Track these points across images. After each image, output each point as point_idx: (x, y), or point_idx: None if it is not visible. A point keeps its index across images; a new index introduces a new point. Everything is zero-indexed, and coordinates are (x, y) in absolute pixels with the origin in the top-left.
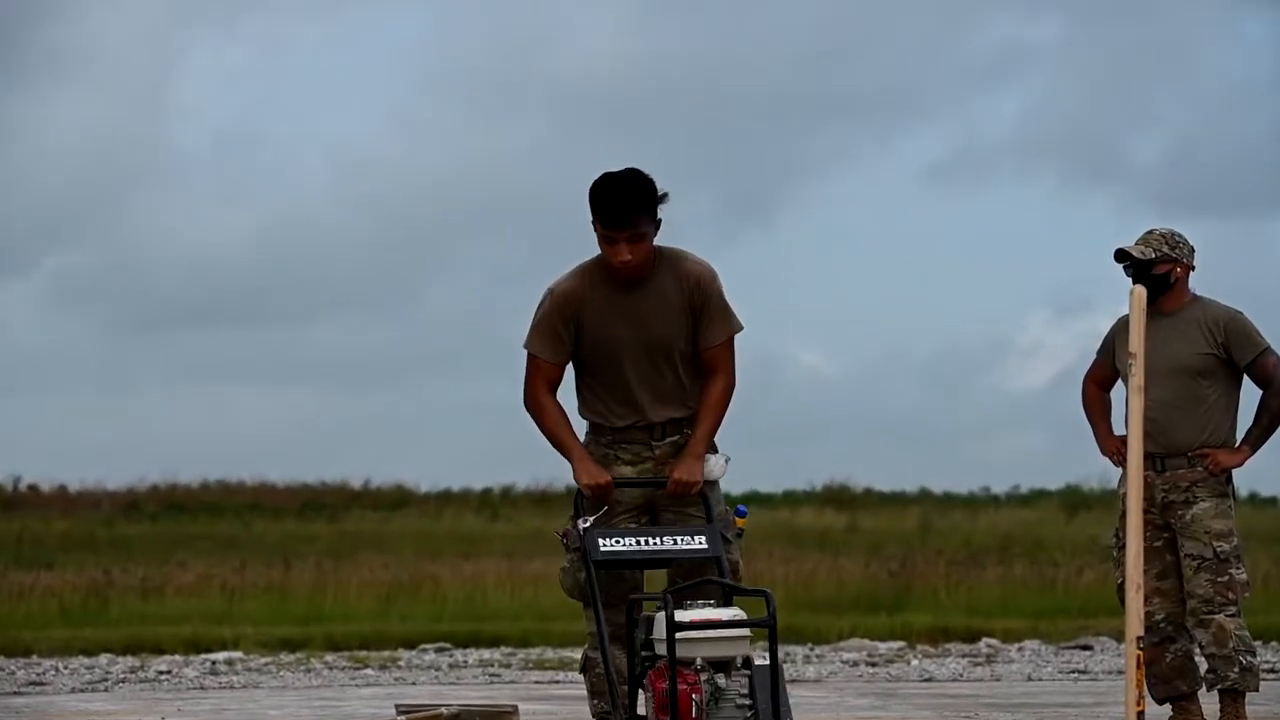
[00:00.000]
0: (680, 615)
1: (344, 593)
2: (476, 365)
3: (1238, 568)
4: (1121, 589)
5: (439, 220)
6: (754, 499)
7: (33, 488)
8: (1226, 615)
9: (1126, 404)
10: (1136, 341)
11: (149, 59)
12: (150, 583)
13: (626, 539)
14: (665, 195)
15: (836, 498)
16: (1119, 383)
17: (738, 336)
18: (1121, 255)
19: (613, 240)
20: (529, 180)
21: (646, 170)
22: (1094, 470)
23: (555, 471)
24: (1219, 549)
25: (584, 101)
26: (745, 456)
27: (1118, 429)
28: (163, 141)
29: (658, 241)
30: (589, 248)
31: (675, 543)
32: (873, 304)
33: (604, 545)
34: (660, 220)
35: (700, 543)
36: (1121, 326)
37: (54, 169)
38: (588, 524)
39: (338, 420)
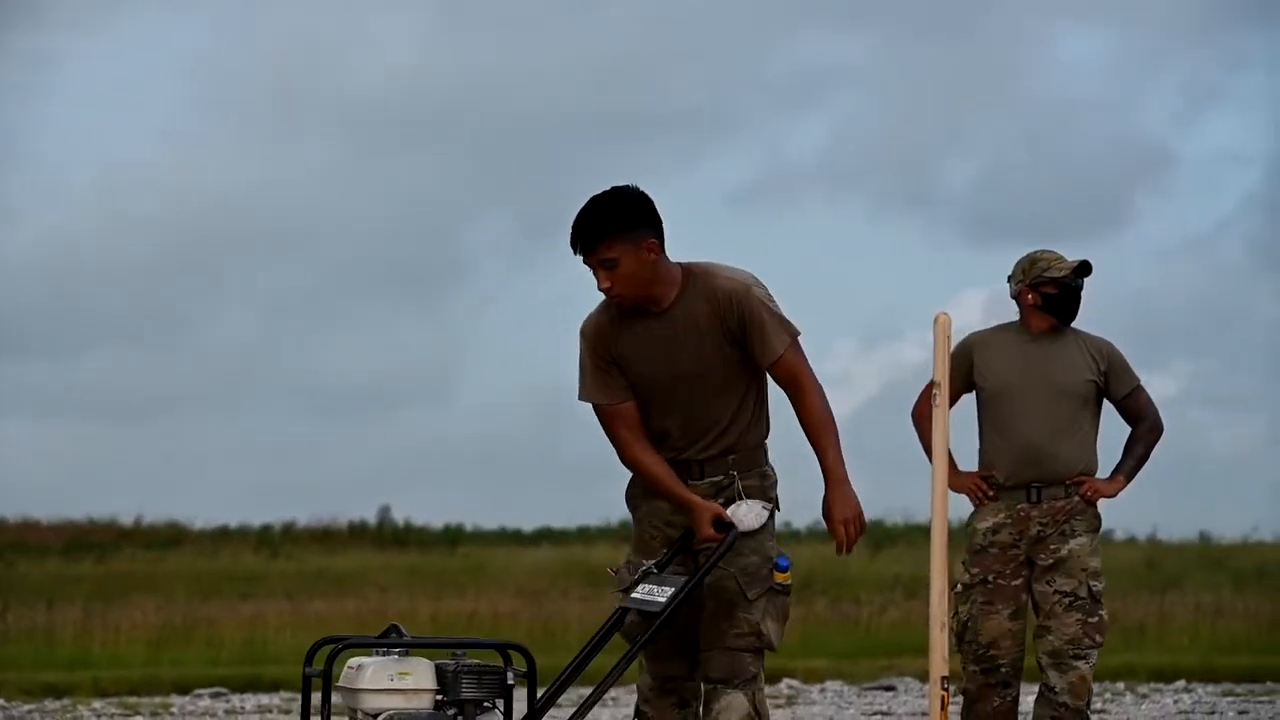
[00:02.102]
0: (356, 663)
1: (113, 636)
2: (256, 398)
3: (1104, 609)
4: (966, 628)
5: (217, 245)
6: (547, 536)
7: None
8: (1089, 665)
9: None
10: (941, 370)
11: None
12: None
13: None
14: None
15: (629, 534)
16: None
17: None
18: (1086, 270)
19: (591, 268)
20: (315, 203)
21: (628, 187)
22: (896, 505)
23: (338, 508)
24: (1094, 588)
25: (375, 119)
26: (538, 491)
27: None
28: None
29: (688, 259)
30: (383, 275)
31: (642, 594)
32: None
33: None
34: (651, 241)
35: (658, 596)
36: (980, 343)
37: None
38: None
39: (107, 455)
